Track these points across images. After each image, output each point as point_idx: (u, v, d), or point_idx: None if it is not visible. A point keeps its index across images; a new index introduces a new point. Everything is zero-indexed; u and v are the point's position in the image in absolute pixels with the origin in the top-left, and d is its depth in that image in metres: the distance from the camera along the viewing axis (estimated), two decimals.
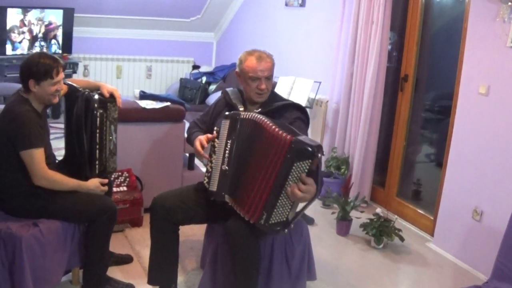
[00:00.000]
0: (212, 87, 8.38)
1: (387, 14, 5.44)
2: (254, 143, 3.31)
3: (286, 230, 3.21)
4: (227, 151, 3.39)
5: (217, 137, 3.47)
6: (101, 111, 3.70)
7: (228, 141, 3.39)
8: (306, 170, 3.05)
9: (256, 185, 3.20)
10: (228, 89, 3.86)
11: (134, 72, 9.00)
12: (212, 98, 7.99)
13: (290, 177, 3.05)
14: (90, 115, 3.66)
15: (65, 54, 7.89)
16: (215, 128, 3.54)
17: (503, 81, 4.26)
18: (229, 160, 3.38)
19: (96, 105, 3.66)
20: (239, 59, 3.65)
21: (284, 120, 3.50)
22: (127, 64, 8.91)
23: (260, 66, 3.54)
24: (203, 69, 9.02)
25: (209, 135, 3.56)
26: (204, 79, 8.54)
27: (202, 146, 3.53)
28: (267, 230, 3.21)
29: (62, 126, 4.03)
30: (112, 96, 3.82)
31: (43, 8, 7.72)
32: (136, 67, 9.00)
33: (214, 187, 3.42)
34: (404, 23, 5.59)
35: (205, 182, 3.56)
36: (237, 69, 3.69)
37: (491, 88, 4.36)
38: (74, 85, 3.81)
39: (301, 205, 3.21)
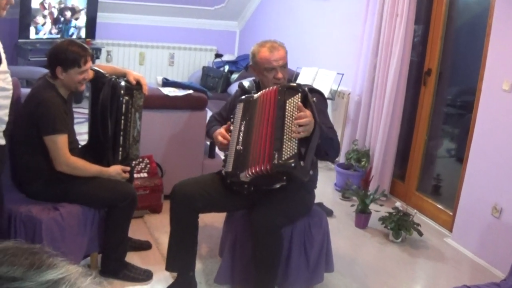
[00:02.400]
0: (235, 76, 8.38)
1: (412, 8, 5.41)
2: (256, 111, 3.43)
3: (302, 163, 3.22)
4: (241, 132, 3.43)
5: (232, 122, 3.53)
6: (127, 98, 3.73)
7: (242, 123, 3.45)
8: (297, 103, 3.25)
9: (260, 140, 3.33)
10: (243, 81, 3.89)
11: (157, 59, 9.01)
12: (234, 87, 8.00)
13: (286, 113, 3.25)
14: (116, 101, 3.69)
15: (88, 40, 7.91)
16: (232, 116, 3.59)
17: None
18: (243, 139, 3.42)
19: (122, 91, 3.70)
20: (252, 52, 3.65)
21: None
22: (150, 51, 8.92)
23: (274, 56, 3.54)
24: (226, 57, 9.02)
25: (225, 126, 3.61)
26: (226, 67, 8.55)
27: (226, 139, 3.56)
28: (283, 168, 3.23)
29: (84, 111, 4.07)
30: (138, 84, 3.85)
31: None
32: (159, 54, 9.01)
33: (229, 168, 3.45)
34: (429, 17, 5.56)
35: (222, 171, 3.59)
36: (250, 63, 3.71)
37: None
38: (101, 70, 3.84)
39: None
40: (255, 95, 3.48)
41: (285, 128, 3.22)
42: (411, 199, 5.70)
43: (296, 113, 3.21)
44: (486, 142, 4.64)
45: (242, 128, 3.44)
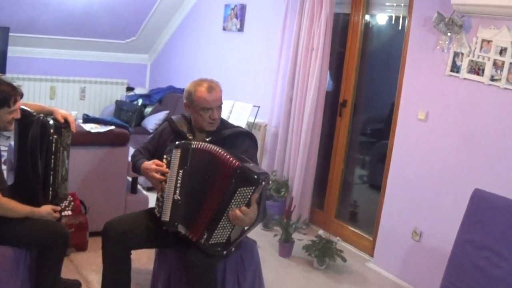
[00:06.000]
0: (148, 109, 8.37)
1: (327, 41, 5.60)
2: (207, 172, 3.39)
3: (225, 252, 3.35)
4: (179, 181, 3.41)
5: (168, 166, 3.48)
6: (56, 136, 3.68)
7: (180, 171, 3.42)
8: (249, 196, 3.22)
9: (204, 208, 3.34)
10: (173, 117, 3.87)
11: (68, 93, 8.88)
12: (149, 121, 7.99)
13: (233, 201, 3.24)
14: (46, 141, 3.63)
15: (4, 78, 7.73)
16: (165, 156, 3.55)
17: (442, 108, 4.48)
18: (181, 189, 3.41)
19: (52, 130, 3.65)
20: (188, 90, 3.66)
21: (235, 149, 3.57)
22: (61, 85, 8.78)
23: (212, 96, 3.58)
24: (138, 91, 9.01)
25: (157, 161, 3.58)
26: (140, 101, 8.53)
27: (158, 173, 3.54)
28: (207, 249, 3.33)
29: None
30: (66, 121, 3.81)
31: None
32: (70, 88, 8.87)
33: (166, 217, 3.44)
34: (344, 50, 5.77)
35: (156, 211, 3.58)
36: (185, 101, 3.70)
37: (430, 114, 4.57)
38: (28, 109, 3.78)
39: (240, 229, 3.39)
40: (193, 144, 3.45)
41: (225, 214, 3.27)
42: (330, 226, 5.86)
43: (242, 204, 3.23)
44: (403, 169, 4.85)
45: (179, 178, 3.41)
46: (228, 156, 3.31)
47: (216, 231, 3.29)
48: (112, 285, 3.66)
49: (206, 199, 3.35)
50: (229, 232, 3.31)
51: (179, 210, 3.41)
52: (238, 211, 3.21)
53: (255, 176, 3.21)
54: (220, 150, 3.36)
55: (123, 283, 3.68)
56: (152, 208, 3.70)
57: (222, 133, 3.68)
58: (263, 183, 3.22)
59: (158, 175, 3.53)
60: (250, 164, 3.29)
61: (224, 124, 3.82)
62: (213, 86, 3.62)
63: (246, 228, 3.38)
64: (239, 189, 3.23)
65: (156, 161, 3.60)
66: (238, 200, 3.23)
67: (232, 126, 3.87)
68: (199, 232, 3.32)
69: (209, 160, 3.38)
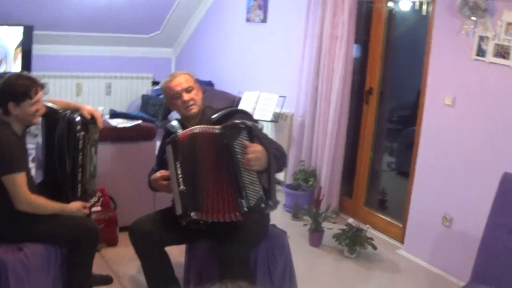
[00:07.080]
0: None
1: (351, 29, 5.57)
2: (196, 151, 3.38)
3: (270, 203, 3.27)
4: (179, 173, 3.39)
5: (168, 167, 3.50)
6: (83, 133, 3.71)
7: (177, 164, 3.40)
8: (245, 141, 3.20)
9: (216, 186, 3.32)
10: (167, 125, 3.85)
11: (94, 89, 8.91)
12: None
13: (238, 156, 3.20)
14: (73, 137, 3.66)
15: (24, 72, 7.78)
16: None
17: (468, 93, 4.43)
18: (183, 180, 3.38)
19: (78, 127, 3.67)
20: (161, 89, 3.75)
21: None
22: (87, 82, 8.81)
23: (173, 82, 3.61)
24: None
25: (162, 171, 3.61)
26: None
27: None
28: (255, 212, 3.30)
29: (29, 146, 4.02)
30: (92, 117, 3.84)
31: (1, 25, 7.64)
32: (95, 84, 8.90)
33: (179, 211, 3.42)
34: (368, 37, 5.73)
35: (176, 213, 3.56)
36: (164, 100, 3.78)
37: (457, 99, 4.52)
38: (54, 106, 3.81)
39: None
40: (178, 135, 3.46)
41: (242, 172, 3.22)
42: (360, 215, 5.83)
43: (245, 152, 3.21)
44: (431, 154, 4.80)
45: (179, 170, 3.40)
46: (207, 127, 3.34)
47: (247, 191, 3.23)
48: (155, 279, 3.69)
49: (208, 174, 3.34)
50: (258, 183, 3.25)
51: (188, 199, 3.38)
52: (246, 155, 3.17)
53: (238, 124, 3.22)
54: (198, 127, 3.38)
55: (166, 274, 3.69)
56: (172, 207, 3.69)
57: (212, 120, 3.62)
58: (251, 125, 3.22)
59: (165, 182, 3.55)
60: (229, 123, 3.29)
61: (211, 110, 3.77)
62: (174, 74, 3.68)
63: (268, 170, 3.28)
64: (234, 143, 3.19)
65: (162, 171, 3.63)
66: (240, 152, 3.19)
67: (218, 109, 3.78)
68: (236, 206, 3.25)
69: (193, 140, 3.38)
